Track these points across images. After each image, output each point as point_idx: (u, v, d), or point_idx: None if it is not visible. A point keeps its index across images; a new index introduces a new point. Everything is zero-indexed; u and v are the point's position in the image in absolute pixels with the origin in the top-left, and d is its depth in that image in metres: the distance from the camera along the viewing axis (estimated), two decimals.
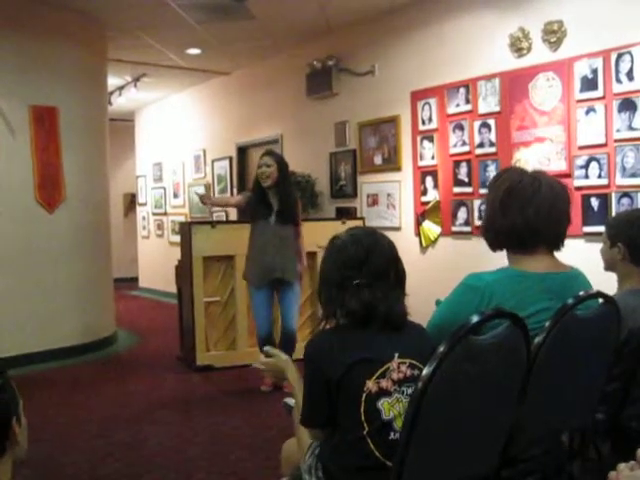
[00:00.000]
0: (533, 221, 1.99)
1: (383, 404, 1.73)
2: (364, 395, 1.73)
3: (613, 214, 4.78)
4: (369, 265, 1.86)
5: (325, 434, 1.85)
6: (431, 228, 6.35)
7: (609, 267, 2.57)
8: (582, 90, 5.05)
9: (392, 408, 1.73)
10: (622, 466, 1.23)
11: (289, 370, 2.13)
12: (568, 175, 5.10)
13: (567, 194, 2.08)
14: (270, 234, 5.07)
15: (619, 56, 4.81)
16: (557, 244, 2.07)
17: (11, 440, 1.39)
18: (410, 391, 1.72)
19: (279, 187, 5.07)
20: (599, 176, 4.96)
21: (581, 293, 1.93)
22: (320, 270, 1.98)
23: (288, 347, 4.96)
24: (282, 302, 5.28)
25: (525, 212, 1.98)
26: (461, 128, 6.00)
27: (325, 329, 1.90)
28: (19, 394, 1.49)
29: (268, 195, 5.09)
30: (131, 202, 13.20)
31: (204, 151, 10.11)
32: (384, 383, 1.74)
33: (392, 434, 1.72)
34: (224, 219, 9.21)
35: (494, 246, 2.12)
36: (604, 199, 4.94)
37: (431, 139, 6.31)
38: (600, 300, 2.02)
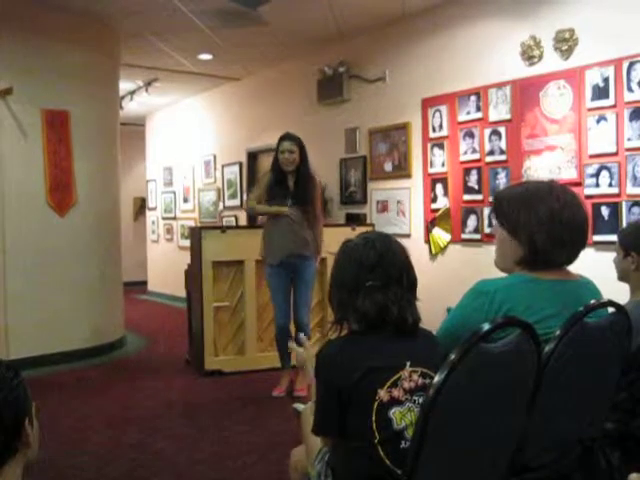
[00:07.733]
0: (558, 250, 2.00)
1: (395, 413, 1.72)
2: (376, 404, 1.72)
3: (624, 223, 4.77)
4: (382, 268, 1.85)
5: (335, 440, 1.84)
6: (441, 235, 6.34)
7: (622, 277, 2.56)
8: (593, 98, 5.05)
9: (404, 417, 1.72)
10: (634, 476, 1.23)
11: (309, 366, 2.17)
12: (579, 183, 5.09)
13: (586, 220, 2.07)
14: (287, 218, 5.07)
15: (631, 65, 4.81)
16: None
17: (23, 441, 1.39)
18: (422, 400, 1.69)
19: (298, 170, 5.12)
20: (610, 185, 4.95)
21: (592, 301, 1.92)
22: (332, 274, 1.96)
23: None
24: (295, 285, 5.20)
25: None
26: (471, 135, 5.99)
27: (337, 337, 1.89)
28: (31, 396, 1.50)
29: (287, 177, 5.12)
30: (141, 206, 13.25)
31: (214, 156, 10.13)
32: (396, 392, 1.73)
33: (403, 443, 1.71)
34: (234, 224, 9.24)
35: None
36: (614, 208, 4.92)
37: (441, 146, 6.31)
38: (611, 309, 2.01)
